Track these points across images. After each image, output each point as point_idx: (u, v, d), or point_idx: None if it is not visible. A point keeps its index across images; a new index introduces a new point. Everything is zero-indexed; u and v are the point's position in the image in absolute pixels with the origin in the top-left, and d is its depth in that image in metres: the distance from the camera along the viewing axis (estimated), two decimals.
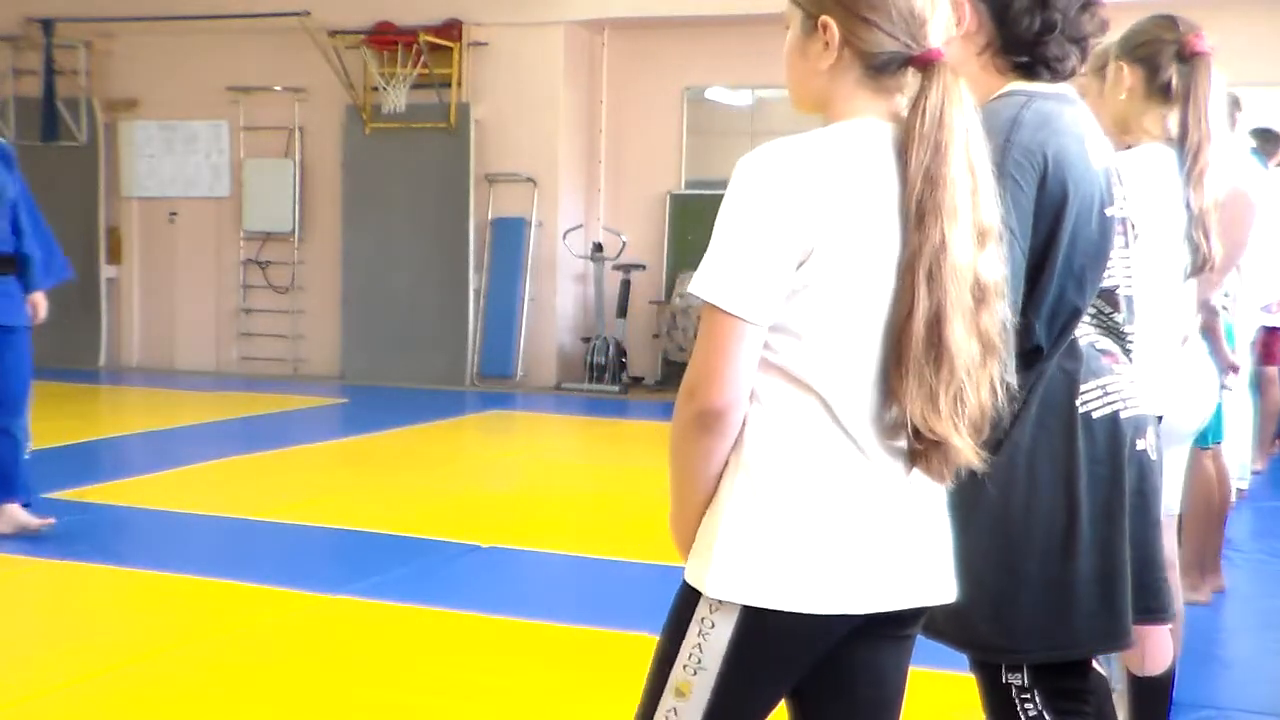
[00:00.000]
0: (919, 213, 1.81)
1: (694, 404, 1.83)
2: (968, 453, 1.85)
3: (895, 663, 2.01)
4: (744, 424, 1.85)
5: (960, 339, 1.82)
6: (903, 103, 1.89)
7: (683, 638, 1.89)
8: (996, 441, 2.21)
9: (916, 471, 1.88)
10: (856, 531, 1.85)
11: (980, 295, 1.85)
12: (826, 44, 1.88)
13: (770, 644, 1.87)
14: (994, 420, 1.91)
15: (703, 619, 1.87)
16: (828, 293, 1.81)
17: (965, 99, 1.85)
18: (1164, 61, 3.17)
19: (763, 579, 1.83)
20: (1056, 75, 2.33)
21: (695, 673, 1.88)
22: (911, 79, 1.88)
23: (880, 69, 1.87)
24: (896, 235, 1.84)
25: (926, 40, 1.86)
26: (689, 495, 1.89)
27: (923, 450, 1.85)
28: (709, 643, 1.87)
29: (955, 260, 1.81)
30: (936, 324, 1.80)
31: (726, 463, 1.87)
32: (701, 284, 1.81)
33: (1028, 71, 2.32)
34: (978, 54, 2.33)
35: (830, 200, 1.80)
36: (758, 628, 1.85)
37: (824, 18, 1.87)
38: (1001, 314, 1.88)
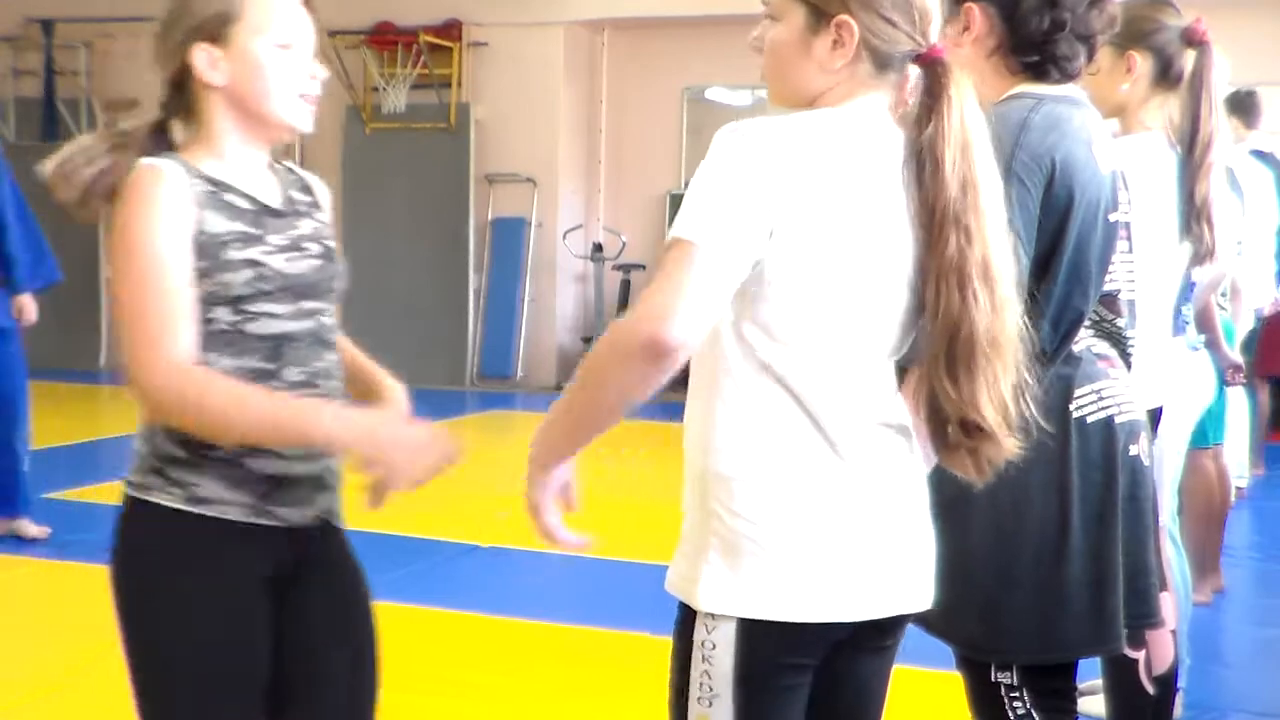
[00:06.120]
0: (954, 217, 1.80)
1: (645, 330, 1.68)
2: (1010, 445, 1.87)
3: (876, 674, 1.99)
4: (720, 429, 1.81)
5: (1013, 334, 1.85)
6: (884, 99, 1.88)
7: (689, 667, 1.85)
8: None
9: (897, 475, 1.87)
10: (843, 537, 1.82)
11: (1010, 293, 1.86)
12: (837, 41, 1.84)
13: (771, 656, 1.82)
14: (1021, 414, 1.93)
15: (703, 642, 1.82)
16: (804, 289, 1.78)
17: (978, 100, 1.86)
18: (1176, 50, 3.11)
19: (754, 589, 1.79)
20: (1065, 74, 2.33)
21: (710, 703, 1.83)
22: (906, 77, 1.87)
23: (888, 66, 1.85)
24: (901, 236, 1.82)
25: (930, 38, 1.86)
26: (589, 423, 1.79)
27: (973, 446, 1.86)
28: (715, 667, 1.82)
29: (995, 260, 1.82)
30: (997, 321, 1.82)
31: (706, 469, 1.83)
32: (673, 229, 1.73)
33: (1037, 71, 2.32)
34: (987, 57, 2.33)
35: (804, 187, 1.76)
36: (755, 641, 1.81)
37: (842, 16, 1.82)
38: (1017, 309, 1.89)
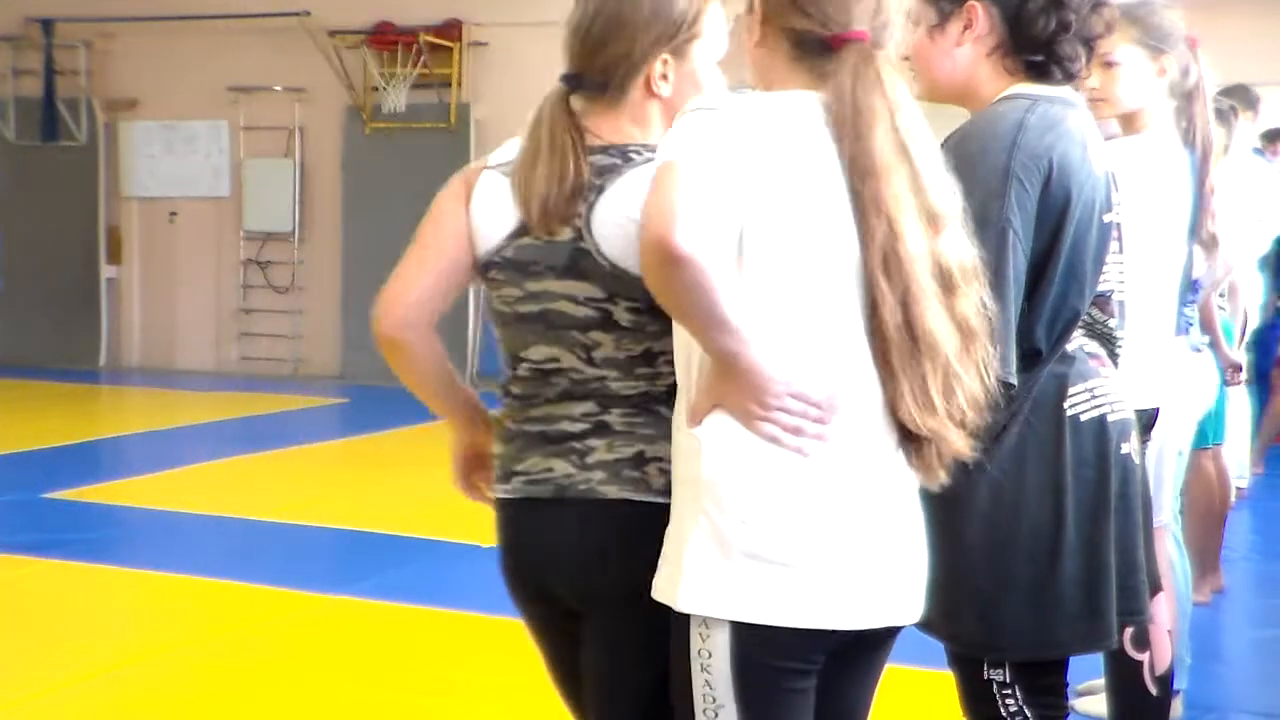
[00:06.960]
0: (859, 205, 1.77)
1: (650, 238, 1.67)
2: (959, 444, 1.82)
3: (864, 688, 1.97)
4: (709, 431, 1.78)
5: (937, 328, 1.78)
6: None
7: (690, 680, 1.81)
8: (992, 433, 2.21)
9: (890, 475, 1.84)
10: (838, 541, 1.79)
11: (947, 281, 1.80)
12: (754, 21, 1.91)
13: (767, 661, 1.80)
14: (989, 407, 1.88)
15: (699, 651, 1.80)
16: (777, 286, 1.77)
17: (884, 81, 1.81)
18: (1190, 55, 3.19)
19: (745, 592, 1.76)
20: (1067, 75, 2.34)
21: (716, 714, 1.80)
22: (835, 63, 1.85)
23: (803, 49, 1.86)
24: (849, 226, 1.79)
25: (849, 23, 1.83)
26: (715, 320, 1.71)
27: (915, 446, 1.82)
28: (714, 675, 1.79)
29: (909, 249, 1.77)
30: (907, 316, 1.77)
31: (698, 472, 1.79)
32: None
33: (1040, 72, 2.32)
34: (987, 55, 2.33)
35: (765, 182, 1.76)
36: (749, 646, 1.78)
37: None
38: (977, 297, 1.84)
